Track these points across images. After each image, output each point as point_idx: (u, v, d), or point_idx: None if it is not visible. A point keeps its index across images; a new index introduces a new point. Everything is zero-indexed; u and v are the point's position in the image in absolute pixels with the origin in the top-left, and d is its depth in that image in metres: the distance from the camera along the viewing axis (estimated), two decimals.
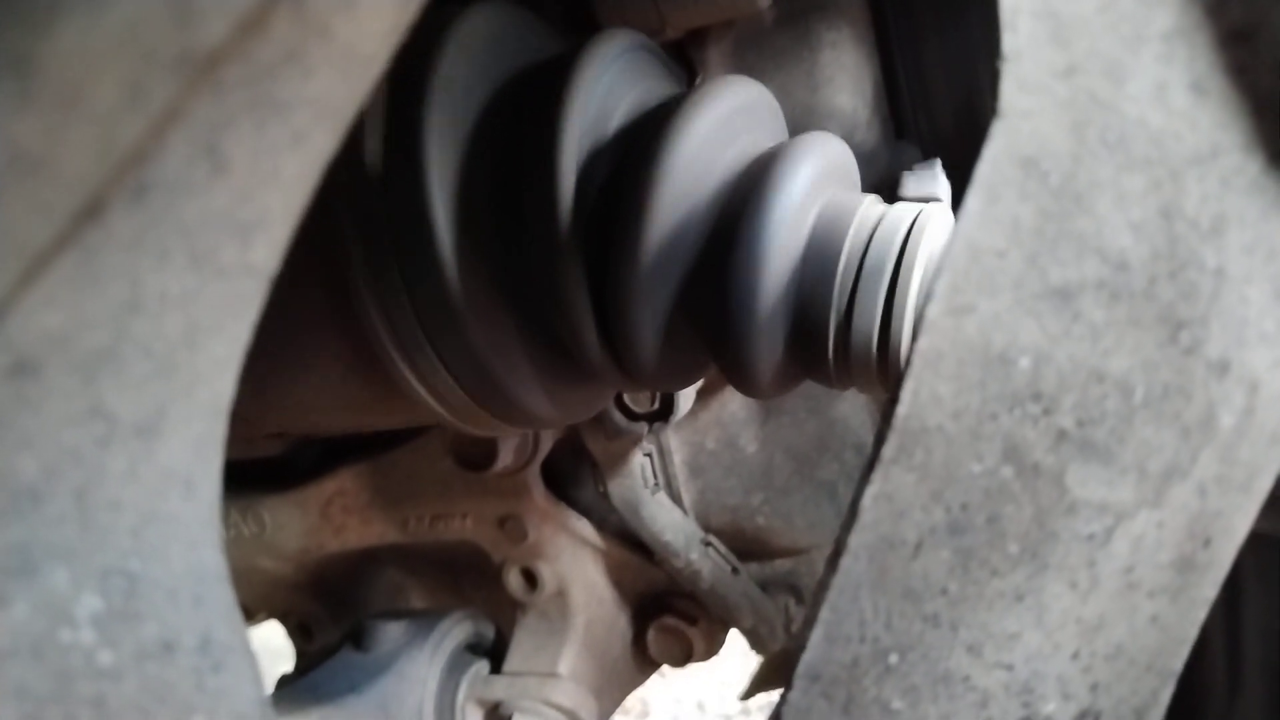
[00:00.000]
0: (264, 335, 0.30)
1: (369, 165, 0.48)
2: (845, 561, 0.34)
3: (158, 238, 0.23)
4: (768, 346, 0.50)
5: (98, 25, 0.19)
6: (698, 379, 0.66)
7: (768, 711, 0.37)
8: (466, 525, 0.86)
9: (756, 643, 0.91)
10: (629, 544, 0.87)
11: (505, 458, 0.77)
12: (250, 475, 0.89)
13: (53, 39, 0.19)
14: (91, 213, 0.21)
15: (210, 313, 0.26)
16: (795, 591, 0.90)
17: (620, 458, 0.80)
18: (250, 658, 0.29)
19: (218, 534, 0.28)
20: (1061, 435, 0.32)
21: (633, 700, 2.23)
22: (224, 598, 0.28)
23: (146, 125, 0.21)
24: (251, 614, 1.03)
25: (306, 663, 0.83)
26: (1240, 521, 0.35)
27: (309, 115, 0.25)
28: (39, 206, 0.20)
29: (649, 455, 0.82)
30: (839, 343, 0.50)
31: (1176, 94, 0.31)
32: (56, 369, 0.23)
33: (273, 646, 1.09)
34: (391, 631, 0.81)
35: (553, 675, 0.84)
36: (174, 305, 0.25)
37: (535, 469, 0.81)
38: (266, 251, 0.27)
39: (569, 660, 0.86)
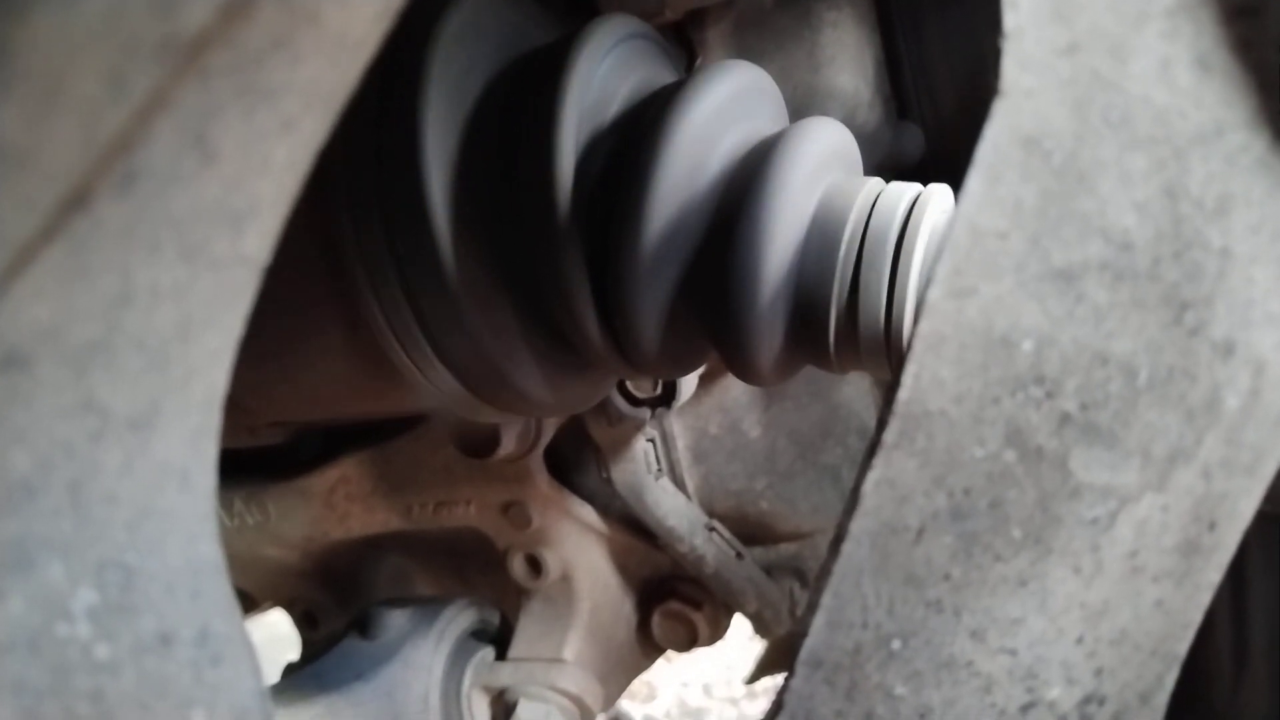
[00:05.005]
0: (262, 324, 0.30)
1: (365, 151, 0.48)
2: (847, 547, 0.33)
3: (147, 229, 0.23)
4: (768, 333, 0.50)
5: (76, 12, 0.19)
6: (699, 366, 0.66)
7: (774, 694, 0.36)
8: (470, 512, 0.86)
9: (761, 627, 0.91)
10: (633, 529, 0.87)
11: (508, 444, 0.77)
12: (253, 464, 0.89)
13: (31, 27, 0.18)
14: (78, 204, 0.21)
15: (203, 304, 0.26)
16: (800, 575, 0.90)
17: (623, 443, 0.80)
18: (249, 649, 0.29)
19: (214, 526, 0.28)
20: (1065, 418, 0.32)
21: (639, 684, 2.25)
22: (222, 590, 0.28)
23: (131, 114, 0.20)
24: (256, 602, 1.04)
25: (312, 651, 0.83)
26: (1245, 504, 0.35)
27: (298, 102, 0.25)
28: (23, 198, 0.20)
29: (652, 441, 0.82)
30: (840, 327, 0.50)
31: (1181, 71, 0.31)
32: (47, 362, 0.23)
33: (279, 634, 1.10)
34: (396, 619, 0.81)
35: (558, 661, 0.85)
36: (166, 297, 0.25)
37: (538, 455, 0.81)
38: (258, 241, 0.27)
39: (574, 646, 0.86)
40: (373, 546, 0.96)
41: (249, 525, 0.90)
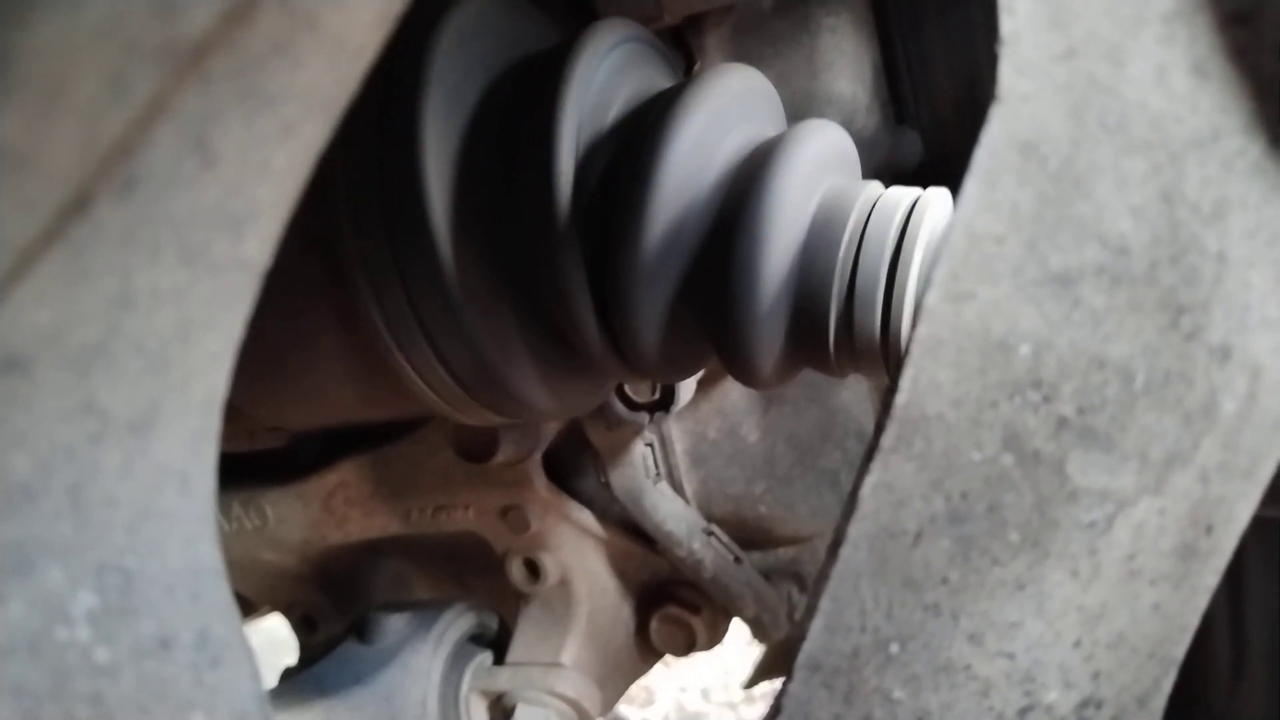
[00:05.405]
0: (262, 328, 0.30)
1: (365, 156, 0.48)
2: (845, 551, 0.33)
3: (147, 232, 0.23)
4: (768, 336, 0.50)
5: (77, 17, 0.19)
6: (699, 369, 0.66)
7: (772, 699, 0.36)
8: (469, 516, 0.86)
9: (760, 631, 0.91)
10: (631, 534, 0.87)
11: (506, 449, 0.77)
12: (252, 468, 0.89)
13: (32, 31, 0.19)
14: (79, 208, 0.21)
15: (202, 307, 0.26)
16: (798, 580, 0.90)
17: (622, 448, 0.80)
18: (248, 652, 0.29)
19: (214, 529, 0.28)
20: (1062, 422, 0.32)
21: (637, 689, 2.24)
22: (221, 593, 0.28)
23: (131, 118, 0.21)
24: (254, 607, 1.03)
25: (310, 655, 0.83)
26: (1243, 508, 0.35)
27: (299, 107, 0.25)
28: (24, 202, 0.20)
29: (650, 445, 0.82)
30: (840, 330, 0.50)
31: (1177, 76, 0.31)
32: (48, 365, 0.23)
33: (277, 639, 1.10)
34: (394, 623, 0.81)
35: (556, 665, 0.84)
36: (165, 300, 0.25)
37: (537, 460, 0.81)
38: (258, 245, 0.27)
39: (572, 650, 0.86)
40: (371, 551, 0.96)
41: (247, 529, 0.90)
